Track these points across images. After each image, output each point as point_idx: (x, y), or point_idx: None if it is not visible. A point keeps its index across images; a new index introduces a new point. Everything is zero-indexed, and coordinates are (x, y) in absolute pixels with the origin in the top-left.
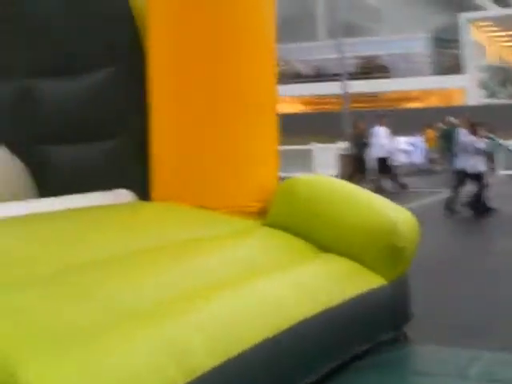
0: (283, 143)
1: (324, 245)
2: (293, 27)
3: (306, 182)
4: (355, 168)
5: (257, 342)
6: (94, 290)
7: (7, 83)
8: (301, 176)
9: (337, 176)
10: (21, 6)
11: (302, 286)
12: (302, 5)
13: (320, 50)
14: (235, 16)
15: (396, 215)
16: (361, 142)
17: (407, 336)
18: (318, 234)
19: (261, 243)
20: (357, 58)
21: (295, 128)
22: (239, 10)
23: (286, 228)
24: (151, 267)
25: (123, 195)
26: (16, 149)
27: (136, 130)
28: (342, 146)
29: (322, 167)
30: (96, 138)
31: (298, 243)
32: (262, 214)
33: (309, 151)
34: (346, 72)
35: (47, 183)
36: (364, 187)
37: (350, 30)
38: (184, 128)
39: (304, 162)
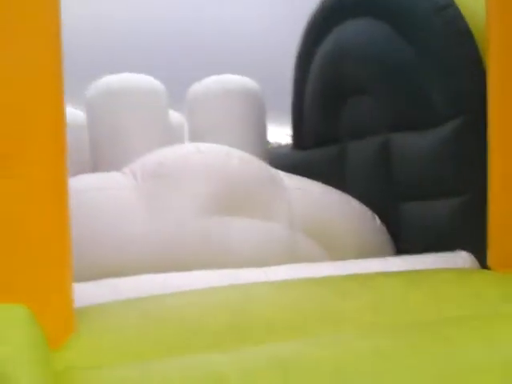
0: None
1: None
2: None
3: None
4: None
5: None
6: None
7: (368, 140)
8: None
9: None
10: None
11: None
12: None
13: None
14: None
15: None
16: None
17: None
18: None
19: None
20: None
21: None
22: None
23: None
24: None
25: (462, 258)
26: (373, 205)
27: (479, 186)
28: None
29: None
30: (441, 195)
31: None
32: None
33: None
34: None
35: (400, 241)
36: None
37: None
38: None
39: None
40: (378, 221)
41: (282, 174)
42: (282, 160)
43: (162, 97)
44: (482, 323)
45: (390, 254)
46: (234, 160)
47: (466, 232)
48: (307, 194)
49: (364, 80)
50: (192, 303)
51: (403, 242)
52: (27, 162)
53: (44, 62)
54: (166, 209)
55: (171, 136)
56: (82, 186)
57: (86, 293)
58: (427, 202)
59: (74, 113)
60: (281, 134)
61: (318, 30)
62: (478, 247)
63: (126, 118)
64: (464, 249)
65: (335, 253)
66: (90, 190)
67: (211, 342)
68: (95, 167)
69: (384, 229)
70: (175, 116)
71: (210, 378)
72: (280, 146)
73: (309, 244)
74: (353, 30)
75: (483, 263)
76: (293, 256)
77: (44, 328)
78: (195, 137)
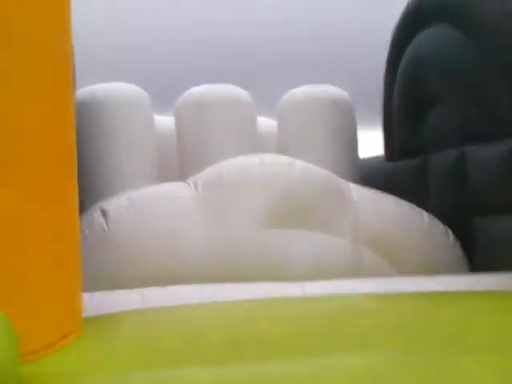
0: None
1: None
2: None
3: None
4: None
5: None
6: None
7: (446, 152)
8: None
9: None
10: None
11: None
12: None
13: None
14: None
15: None
16: None
17: None
18: None
19: None
20: None
21: None
22: None
23: None
24: None
25: None
26: (449, 219)
27: None
28: None
29: None
30: None
31: None
32: None
33: None
34: None
35: (475, 257)
36: None
37: None
38: None
39: None
40: (450, 236)
41: (352, 186)
42: (373, 172)
43: (249, 106)
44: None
45: (462, 271)
46: (297, 171)
47: None
48: (376, 207)
49: (440, 89)
50: (201, 317)
51: (477, 259)
52: (27, 171)
53: (48, 65)
54: (223, 219)
55: (259, 144)
56: (146, 195)
57: (115, 300)
58: (500, 217)
59: (163, 120)
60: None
61: (401, 38)
62: None
63: (213, 127)
64: None
65: (403, 268)
66: (153, 200)
67: (208, 357)
68: (182, 174)
69: (457, 244)
70: (268, 123)
71: None
72: (373, 158)
73: (374, 258)
74: (429, 38)
75: None
76: (357, 270)
77: (34, 332)
78: (285, 146)
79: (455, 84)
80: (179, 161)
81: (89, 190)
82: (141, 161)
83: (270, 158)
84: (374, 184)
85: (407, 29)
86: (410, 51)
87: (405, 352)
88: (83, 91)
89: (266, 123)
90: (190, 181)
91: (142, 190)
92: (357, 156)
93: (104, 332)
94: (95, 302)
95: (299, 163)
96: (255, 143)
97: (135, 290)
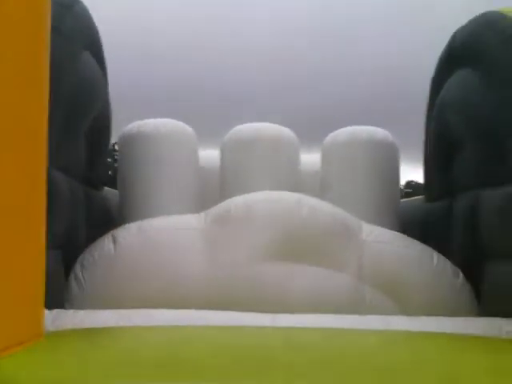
0: None
1: None
2: None
3: None
4: None
5: None
6: None
7: (465, 195)
8: None
9: None
10: None
11: None
12: None
13: None
14: None
15: None
16: None
17: None
18: None
19: None
20: None
21: None
22: None
23: None
24: None
25: None
26: (462, 263)
27: None
28: None
29: None
30: None
31: None
32: None
33: None
34: None
35: (485, 301)
36: None
37: None
38: None
39: None
40: (461, 278)
41: (364, 225)
42: (412, 212)
43: (292, 144)
44: None
45: (470, 314)
46: (304, 209)
47: None
48: (385, 247)
49: (462, 134)
50: (147, 338)
51: (488, 303)
52: None
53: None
54: (224, 253)
55: (301, 182)
56: (156, 224)
57: (94, 318)
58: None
59: (211, 155)
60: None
61: (436, 82)
62: None
63: (255, 164)
64: None
65: (407, 308)
66: (162, 229)
67: (150, 374)
68: None
69: (467, 287)
70: (312, 161)
71: None
72: (415, 199)
73: (377, 297)
74: (455, 82)
75: None
76: (358, 308)
77: None
78: (326, 185)
79: (474, 128)
80: (220, 195)
81: (132, 220)
82: (184, 193)
83: (276, 195)
84: (412, 225)
85: (440, 72)
86: (441, 95)
87: None
88: (131, 125)
89: (310, 161)
90: (203, 213)
91: (154, 220)
92: (398, 196)
93: (57, 345)
94: (76, 319)
95: (308, 201)
96: (296, 181)
97: (115, 310)
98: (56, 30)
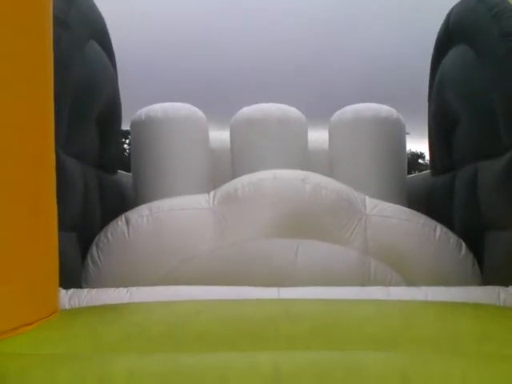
0: None
1: None
2: None
3: None
4: None
5: None
6: None
7: (466, 168)
8: None
9: None
10: None
11: None
12: None
13: None
14: None
15: None
16: None
17: None
18: None
19: None
20: None
21: None
22: None
23: None
24: None
25: None
26: (464, 234)
27: None
28: None
29: None
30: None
31: None
32: None
33: None
34: None
35: (486, 271)
36: None
37: None
38: None
39: None
40: (463, 249)
41: (367, 199)
42: (419, 186)
43: (299, 124)
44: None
45: (474, 284)
46: (308, 186)
47: None
48: (388, 221)
49: (458, 108)
50: (156, 312)
51: (488, 272)
52: None
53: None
54: (232, 230)
55: (309, 160)
56: (166, 205)
57: (106, 296)
58: (506, 232)
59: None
60: None
61: (434, 60)
62: None
63: (262, 145)
64: None
65: (412, 279)
66: (174, 210)
67: (157, 346)
68: None
69: (470, 257)
70: (321, 139)
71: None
72: (421, 174)
73: (383, 269)
74: (451, 60)
75: None
76: (364, 280)
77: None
78: (334, 163)
79: (469, 103)
80: (232, 175)
81: (145, 202)
82: (195, 175)
83: (282, 174)
84: (419, 199)
85: (438, 51)
86: (438, 73)
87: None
88: (142, 110)
89: (319, 139)
90: (212, 192)
91: (164, 201)
92: (404, 172)
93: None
94: (90, 297)
95: (313, 178)
96: (304, 160)
97: (127, 288)
98: (62, 19)
